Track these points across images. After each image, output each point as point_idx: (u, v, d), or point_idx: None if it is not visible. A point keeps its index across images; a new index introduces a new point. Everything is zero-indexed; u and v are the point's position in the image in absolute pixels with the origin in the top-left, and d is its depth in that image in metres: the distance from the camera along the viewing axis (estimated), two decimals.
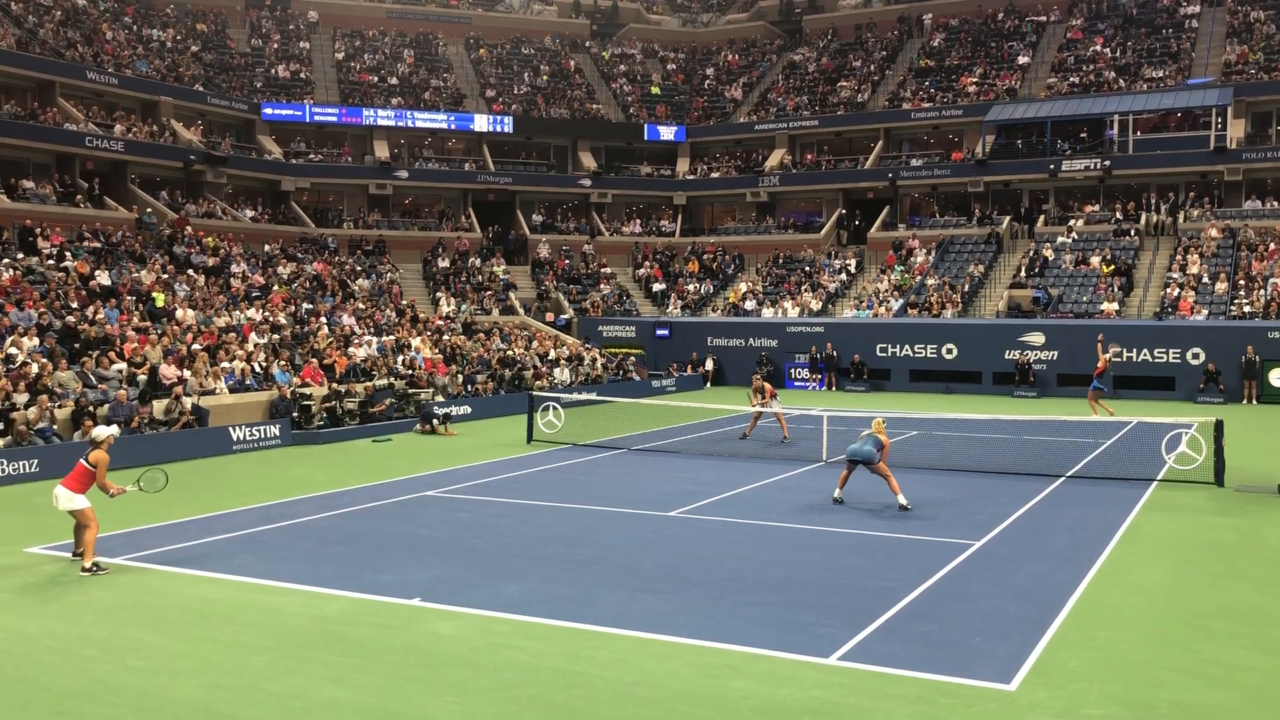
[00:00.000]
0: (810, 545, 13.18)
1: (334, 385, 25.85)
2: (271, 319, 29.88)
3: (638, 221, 52.68)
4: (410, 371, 28.70)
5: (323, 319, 31.34)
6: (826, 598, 10.65)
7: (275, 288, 33.78)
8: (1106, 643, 9.25)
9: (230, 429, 22.05)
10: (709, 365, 38.95)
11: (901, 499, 15.07)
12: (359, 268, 40.53)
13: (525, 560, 12.33)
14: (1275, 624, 9.85)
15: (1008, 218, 45.40)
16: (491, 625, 9.78)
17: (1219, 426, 17.42)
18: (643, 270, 47.88)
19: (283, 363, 26.20)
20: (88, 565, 11.83)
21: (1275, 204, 42.08)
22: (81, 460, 12.21)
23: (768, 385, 23.57)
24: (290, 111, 46.92)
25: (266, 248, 39.55)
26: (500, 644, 9.26)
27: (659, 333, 40.71)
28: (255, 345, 26.90)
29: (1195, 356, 32.37)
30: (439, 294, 40.51)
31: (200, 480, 18.20)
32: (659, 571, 11.78)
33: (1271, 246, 37.95)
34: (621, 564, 12.20)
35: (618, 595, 10.80)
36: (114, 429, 12.53)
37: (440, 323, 35.50)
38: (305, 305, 32.58)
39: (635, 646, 9.16)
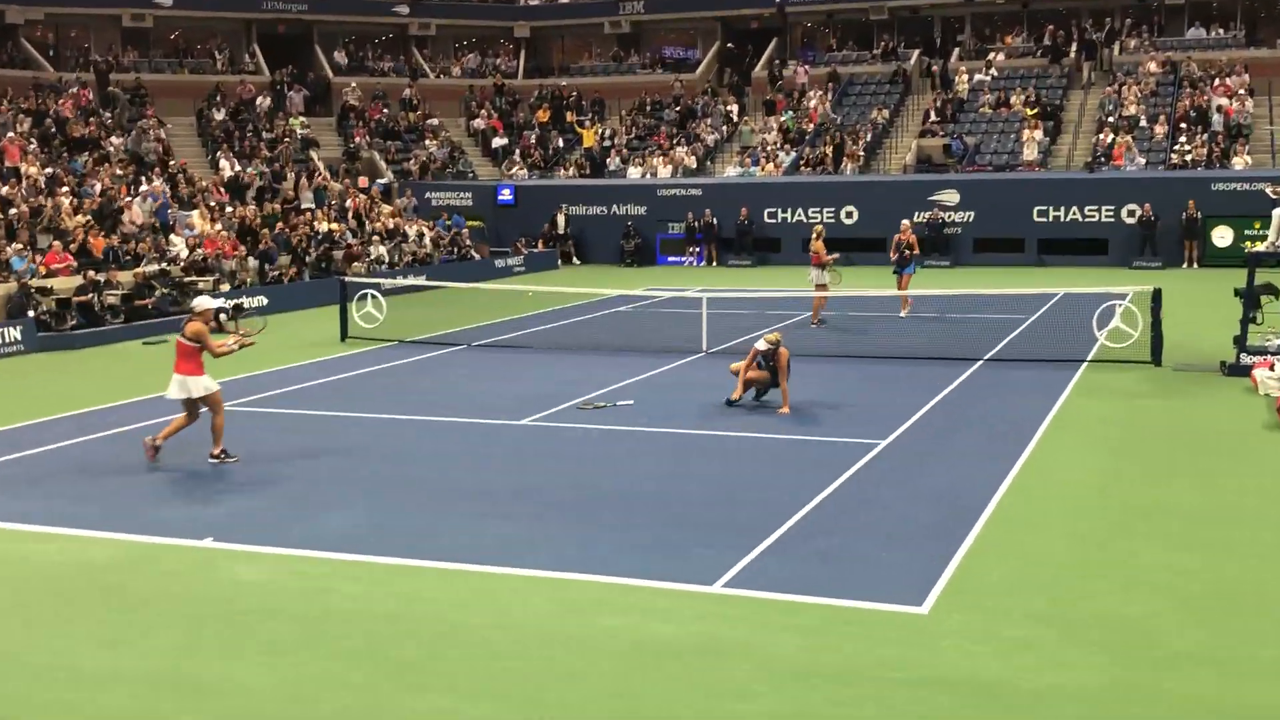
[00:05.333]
0: (689, 453, 13.42)
1: (90, 273, 24.82)
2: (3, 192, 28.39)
3: (471, 59, 51.49)
4: (189, 252, 27.76)
5: (67, 189, 29.91)
6: (708, 514, 10.90)
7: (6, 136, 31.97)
8: (1031, 551, 9.75)
9: None
10: (562, 226, 38.69)
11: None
12: (110, 120, 38.63)
13: (345, 485, 12.23)
14: (1210, 521, 10.54)
15: (916, 51, 45.95)
16: (305, 567, 9.73)
17: (1156, 296, 18.27)
18: (479, 121, 47.03)
19: (19, 246, 25.01)
20: (217, 451, 13.16)
21: (1221, 31, 43.65)
22: (179, 338, 13.26)
23: (823, 250, 22.95)
24: None
25: None
26: (318, 589, 9.23)
27: (501, 199, 40.26)
28: None
29: (1131, 214, 33.73)
30: (219, 154, 39.05)
31: None
32: (510, 492, 11.85)
33: (1216, 82, 39.51)
34: (465, 485, 12.22)
35: (461, 523, 10.85)
36: (219, 301, 14.02)
37: (223, 190, 34.29)
38: (46, 170, 31.03)
39: (484, 583, 9.25)
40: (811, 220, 36.42)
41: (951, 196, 35.30)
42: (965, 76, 43.19)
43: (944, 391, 16.42)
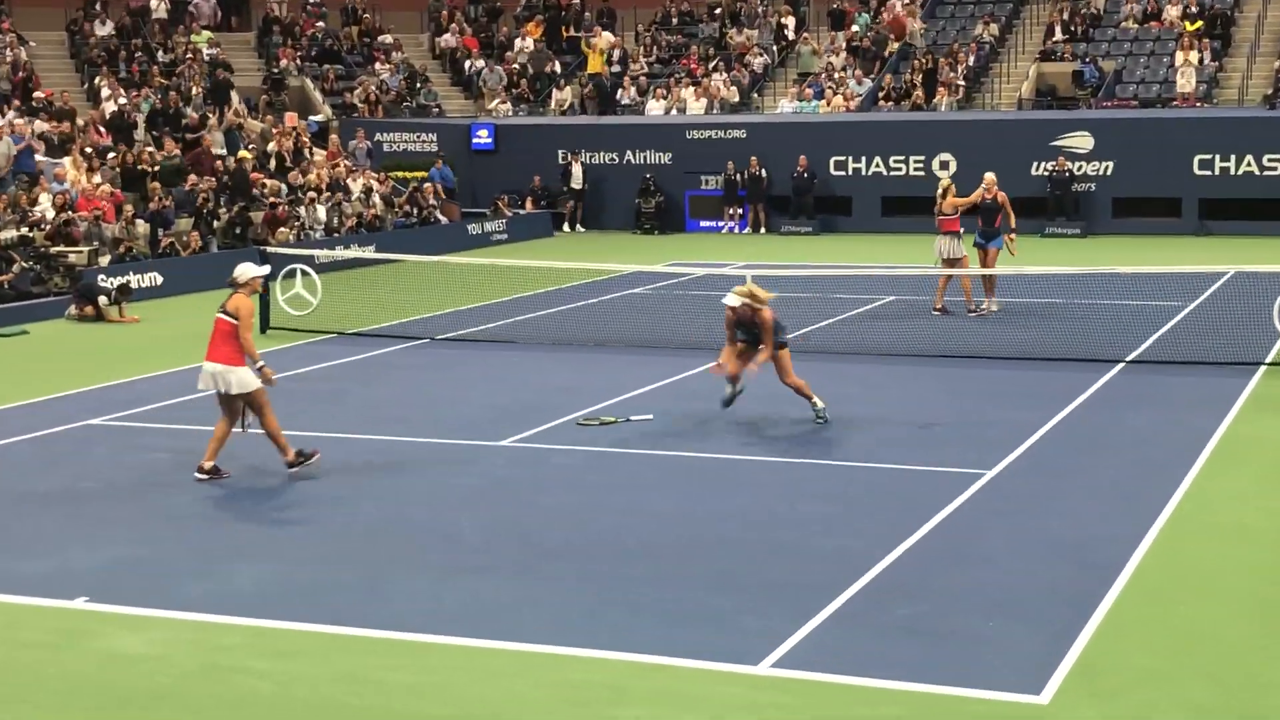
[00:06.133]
0: (726, 485, 13.39)
1: None
2: None
3: None
4: (56, 213, 27.86)
5: None
6: (753, 568, 10.87)
7: None
8: (1188, 622, 9.67)
9: None
10: (578, 178, 38.61)
11: (818, 403, 15.44)
12: None
13: (264, 528, 12.26)
14: None
15: None
16: (209, 636, 9.71)
17: None
18: (447, 38, 47.10)
19: None
20: (291, 457, 13.62)
21: None
22: (219, 314, 13.52)
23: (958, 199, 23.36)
24: None
25: None
26: (225, 666, 9.21)
27: (476, 142, 40.24)
28: None
29: None
30: (99, 81, 39.21)
31: None
32: (488, 538, 11.84)
33: None
34: (425, 527, 12.23)
35: (422, 579, 10.83)
36: (266, 268, 14.29)
37: (104, 130, 34.42)
38: None
39: (453, 660, 9.23)
40: (893, 173, 36.37)
41: (1083, 141, 35.17)
42: None
43: (1070, 405, 16.34)
